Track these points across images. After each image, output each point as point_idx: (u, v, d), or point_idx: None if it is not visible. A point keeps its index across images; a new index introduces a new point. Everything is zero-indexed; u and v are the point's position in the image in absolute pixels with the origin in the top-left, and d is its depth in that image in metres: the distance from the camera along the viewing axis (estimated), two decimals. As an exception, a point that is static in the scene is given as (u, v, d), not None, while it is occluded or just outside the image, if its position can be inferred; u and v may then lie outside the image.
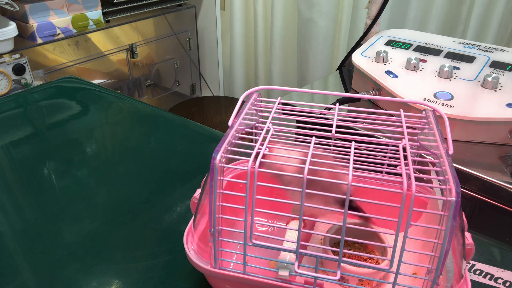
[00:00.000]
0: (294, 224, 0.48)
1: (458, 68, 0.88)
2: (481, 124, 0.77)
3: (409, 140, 0.44)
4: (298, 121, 0.88)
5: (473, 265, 0.53)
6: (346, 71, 1.14)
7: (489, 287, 0.51)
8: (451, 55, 0.93)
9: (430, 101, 0.80)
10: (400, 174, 0.39)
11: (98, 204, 0.62)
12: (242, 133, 0.46)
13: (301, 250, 0.39)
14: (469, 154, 0.77)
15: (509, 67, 0.87)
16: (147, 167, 0.71)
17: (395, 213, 0.35)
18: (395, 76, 0.88)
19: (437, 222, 0.38)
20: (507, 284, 0.51)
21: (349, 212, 0.37)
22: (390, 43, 1.00)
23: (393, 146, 0.47)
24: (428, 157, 0.45)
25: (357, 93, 0.98)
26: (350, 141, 0.42)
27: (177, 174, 0.69)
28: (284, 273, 0.40)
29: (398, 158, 0.39)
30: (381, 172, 0.51)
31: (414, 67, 0.89)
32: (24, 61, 1.30)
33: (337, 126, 0.44)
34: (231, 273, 0.42)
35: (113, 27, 1.59)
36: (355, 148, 0.41)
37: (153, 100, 1.92)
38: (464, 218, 0.44)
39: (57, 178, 0.68)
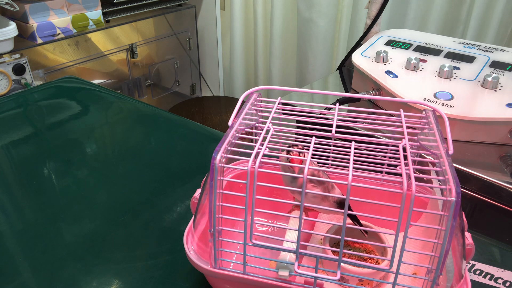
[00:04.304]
0: (297, 214, 0.48)
1: (458, 68, 0.88)
2: (481, 124, 0.77)
3: (409, 140, 0.44)
4: (298, 121, 0.88)
5: (473, 265, 0.53)
6: (346, 71, 1.14)
7: (489, 287, 0.51)
8: (451, 55, 0.93)
9: (430, 101, 0.80)
10: (400, 174, 0.39)
11: (98, 204, 0.62)
12: (242, 133, 0.46)
13: (301, 250, 0.39)
14: (469, 154, 0.77)
15: (509, 67, 0.87)
16: (147, 167, 0.71)
17: (395, 213, 0.35)
18: (395, 76, 0.88)
19: (437, 222, 0.38)
20: (507, 284, 0.51)
21: (349, 212, 0.37)
22: (390, 43, 1.00)
23: (393, 146, 0.47)
24: (428, 157, 0.45)
25: (357, 93, 0.98)
26: (350, 141, 0.42)
27: (177, 174, 0.69)
28: (284, 273, 0.40)
29: (398, 158, 0.39)
30: (381, 172, 0.51)
31: (414, 67, 0.89)
32: (24, 61, 1.30)
33: (337, 126, 0.44)
34: (231, 273, 0.42)
35: (113, 27, 1.59)
36: (355, 148, 0.41)
37: (153, 100, 1.92)
38: (464, 218, 0.44)
39: (57, 178, 0.68)
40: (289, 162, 0.44)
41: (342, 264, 0.42)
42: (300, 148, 0.45)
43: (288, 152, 0.45)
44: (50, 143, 0.77)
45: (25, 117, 0.85)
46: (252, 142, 0.45)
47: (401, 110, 0.47)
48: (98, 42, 1.56)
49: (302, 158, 0.44)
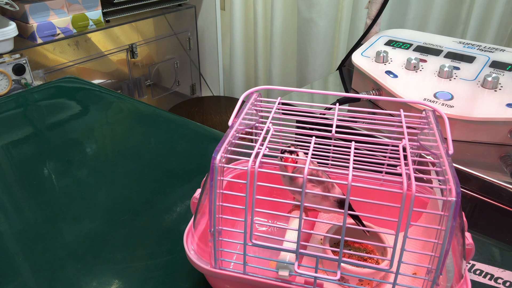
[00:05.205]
0: (297, 214, 0.48)
1: (458, 68, 0.88)
2: (481, 124, 0.77)
3: (409, 140, 0.44)
4: (298, 121, 0.88)
5: (473, 265, 0.53)
6: (346, 71, 1.14)
7: (489, 287, 0.51)
8: (451, 55, 0.93)
9: (430, 101, 0.80)
10: (400, 174, 0.39)
11: (98, 204, 0.62)
12: (242, 133, 0.46)
13: (301, 250, 0.39)
14: (469, 154, 0.77)
15: (509, 67, 0.87)
16: (147, 167, 0.71)
17: (395, 213, 0.35)
18: (395, 76, 0.88)
19: (437, 222, 0.38)
20: (507, 284, 0.51)
21: (349, 212, 0.37)
22: (390, 43, 1.00)
23: (393, 146, 0.47)
24: (428, 157, 0.45)
25: (357, 93, 0.98)
26: (350, 141, 0.42)
27: (177, 174, 0.69)
28: (284, 273, 0.40)
29: (398, 158, 0.39)
30: (381, 172, 0.51)
31: (414, 67, 0.89)
32: (24, 61, 1.30)
33: (337, 126, 0.44)
34: (231, 273, 0.42)
35: (113, 27, 1.59)
36: (355, 148, 0.41)
37: (153, 100, 1.92)
38: (464, 218, 0.44)
39: (57, 178, 0.68)
40: (282, 162, 0.44)
41: (342, 264, 0.42)
42: (294, 149, 0.45)
43: (282, 152, 0.45)
44: (50, 143, 0.77)
45: (25, 117, 0.85)
46: (252, 142, 0.45)
47: (401, 110, 0.47)
48: (98, 42, 1.56)
49: (295, 157, 0.44)
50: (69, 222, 0.59)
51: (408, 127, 0.45)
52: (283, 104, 0.50)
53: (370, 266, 0.41)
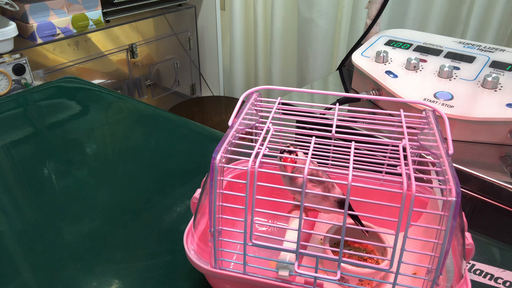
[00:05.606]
0: (297, 214, 0.48)
1: (458, 68, 0.88)
2: (481, 124, 0.77)
3: (409, 140, 0.44)
4: (298, 121, 0.88)
5: (473, 265, 0.53)
6: (346, 71, 1.14)
7: (489, 287, 0.51)
8: (451, 55, 0.93)
9: (430, 101, 0.80)
10: (400, 174, 0.39)
11: (98, 204, 0.62)
12: (242, 133, 0.46)
13: (301, 250, 0.39)
14: (469, 154, 0.77)
15: (509, 67, 0.87)
16: (147, 167, 0.71)
17: (395, 213, 0.35)
18: (395, 76, 0.88)
19: (437, 222, 0.38)
20: (507, 284, 0.51)
21: (349, 212, 0.37)
22: (390, 43, 1.00)
23: (393, 146, 0.47)
24: (428, 157, 0.45)
25: (357, 93, 0.98)
26: (350, 141, 0.42)
27: (177, 174, 0.69)
28: (284, 273, 0.40)
29: (398, 158, 0.39)
30: (381, 172, 0.51)
31: (414, 67, 0.89)
32: (24, 61, 1.30)
33: (337, 126, 0.44)
34: (231, 273, 0.42)
35: (113, 27, 1.59)
36: (355, 148, 0.41)
37: (153, 100, 1.92)
38: (464, 218, 0.44)
39: (57, 178, 0.68)
40: (281, 161, 0.44)
41: (342, 264, 0.42)
42: (293, 149, 0.45)
43: (281, 152, 0.45)
44: (50, 143, 0.77)
45: (25, 117, 0.85)
46: (252, 142, 0.45)
47: (401, 110, 0.47)
48: (98, 42, 1.56)
49: (294, 157, 0.44)
50: (69, 222, 0.59)
51: (408, 127, 0.45)
52: (283, 104, 0.50)
53: (370, 266, 0.41)
